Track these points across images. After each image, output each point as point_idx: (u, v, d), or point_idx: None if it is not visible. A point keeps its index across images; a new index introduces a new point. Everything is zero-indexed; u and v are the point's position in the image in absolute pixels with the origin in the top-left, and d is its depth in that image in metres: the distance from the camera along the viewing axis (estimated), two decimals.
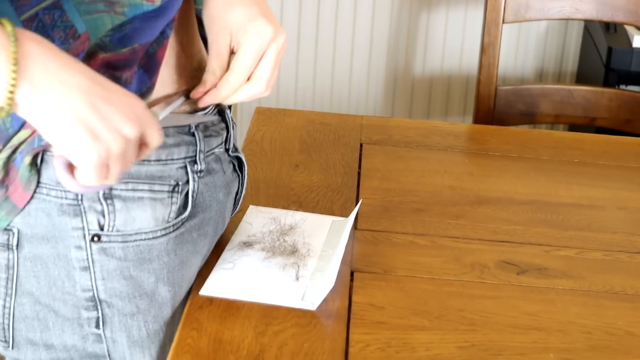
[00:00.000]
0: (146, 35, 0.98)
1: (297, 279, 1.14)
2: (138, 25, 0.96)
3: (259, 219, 1.27)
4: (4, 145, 0.97)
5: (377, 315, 1.11)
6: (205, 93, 1.06)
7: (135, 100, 0.91)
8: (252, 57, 1.04)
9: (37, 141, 0.97)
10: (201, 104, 1.07)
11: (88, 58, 0.95)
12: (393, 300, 1.14)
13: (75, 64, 0.86)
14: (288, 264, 1.17)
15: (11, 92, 0.82)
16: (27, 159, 0.97)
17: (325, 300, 1.11)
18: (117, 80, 0.96)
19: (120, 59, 0.97)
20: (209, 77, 1.05)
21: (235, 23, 1.04)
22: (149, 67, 1.01)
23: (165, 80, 1.05)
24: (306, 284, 1.13)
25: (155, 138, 0.92)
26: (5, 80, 0.81)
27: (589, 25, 2.70)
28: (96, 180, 0.88)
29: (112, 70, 0.96)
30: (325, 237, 1.23)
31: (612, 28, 2.48)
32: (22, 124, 0.96)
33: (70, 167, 0.89)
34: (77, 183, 0.89)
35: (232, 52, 1.05)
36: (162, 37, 1.01)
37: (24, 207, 1.00)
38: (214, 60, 1.05)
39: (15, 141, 0.97)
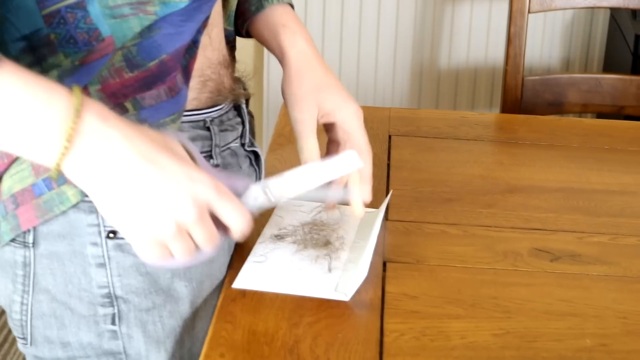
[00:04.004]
0: (174, 41, 0.98)
1: (330, 270, 1.14)
2: (166, 31, 0.96)
3: (289, 212, 1.27)
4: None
5: (411, 304, 1.10)
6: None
7: (197, 175, 0.88)
8: (363, 134, 1.19)
9: None
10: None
11: (118, 76, 0.96)
12: (426, 289, 1.13)
13: (132, 139, 0.85)
14: (320, 255, 1.17)
15: (58, 165, 0.83)
16: (70, 190, 0.98)
17: (358, 291, 1.11)
18: (156, 98, 0.97)
19: (148, 76, 0.97)
20: (309, 158, 1.14)
21: (329, 102, 1.15)
22: (186, 79, 1.01)
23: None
24: (339, 275, 1.13)
25: (232, 217, 0.91)
26: (55, 154, 0.83)
27: (615, 13, 2.68)
28: (155, 259, 0.88)
29: (143, 92, 0.97)
30: (357, 229, 1.23)
31: (639, 15, 2.46)
32: None
33: None
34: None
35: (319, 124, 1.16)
36: (194, 46, 1.01)
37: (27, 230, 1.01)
38: (304, 141, 1.14)
39: None
